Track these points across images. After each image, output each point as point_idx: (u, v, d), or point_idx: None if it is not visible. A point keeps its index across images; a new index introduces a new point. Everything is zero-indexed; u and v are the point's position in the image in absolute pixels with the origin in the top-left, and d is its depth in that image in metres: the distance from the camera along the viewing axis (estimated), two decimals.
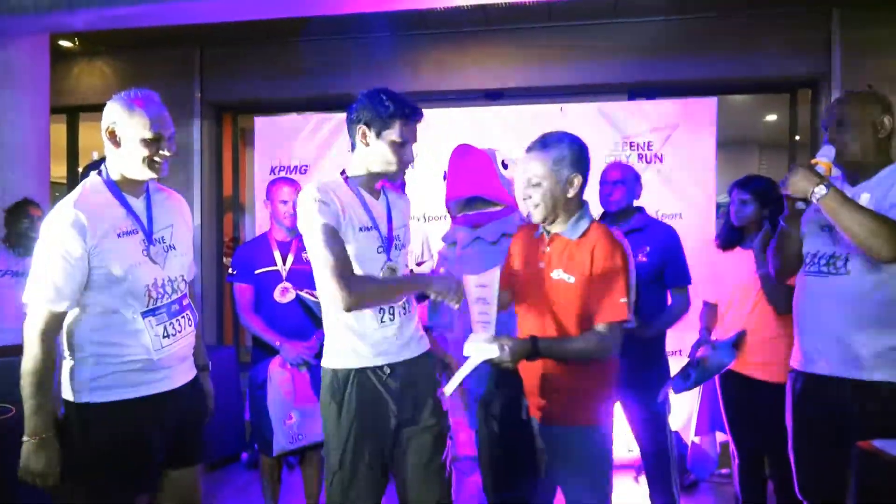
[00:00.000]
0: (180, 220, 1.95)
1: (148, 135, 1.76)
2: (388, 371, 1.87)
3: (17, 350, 2.60)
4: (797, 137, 4.70)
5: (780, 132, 5.24)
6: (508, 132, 4.10)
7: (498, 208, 2.74)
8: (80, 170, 3.05)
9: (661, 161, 3.98)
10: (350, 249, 1.82)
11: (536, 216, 1.87)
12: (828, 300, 1.90)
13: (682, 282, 2.69)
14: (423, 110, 1.93)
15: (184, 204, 2.02)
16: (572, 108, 4.14)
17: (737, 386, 2.58)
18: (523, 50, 4.69)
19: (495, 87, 4.78)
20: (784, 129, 4.84)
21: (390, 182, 2.03)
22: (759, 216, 2.55)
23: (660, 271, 2.65)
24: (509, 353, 1.73)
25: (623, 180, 2.70)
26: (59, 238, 1.68)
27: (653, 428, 2.59)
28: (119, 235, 1.75)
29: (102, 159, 1.88)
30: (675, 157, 3.96)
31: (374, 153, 1.89)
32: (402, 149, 1.89)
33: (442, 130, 4.16)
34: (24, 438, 1.68)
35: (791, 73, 4.44)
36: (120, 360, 1.76)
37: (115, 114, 1.79)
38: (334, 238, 1.78)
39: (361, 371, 1.86)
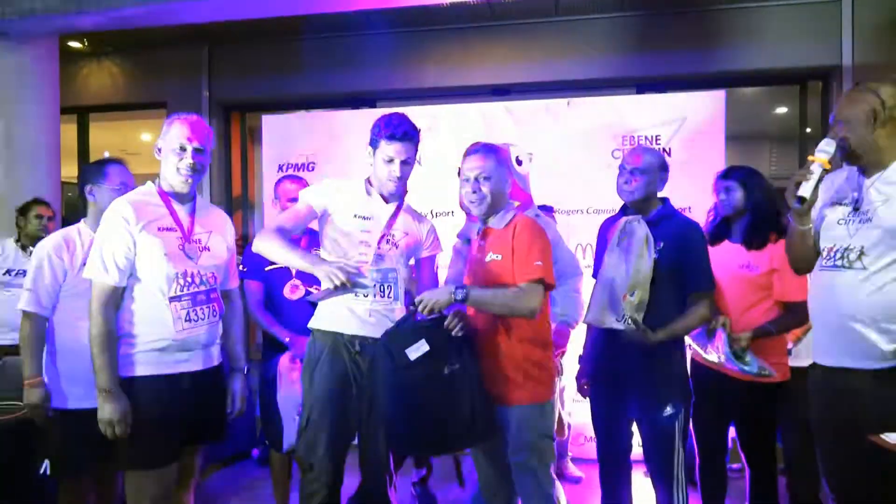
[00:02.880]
0: (219, 230, 2.27)
1: (175, 146, 2.11)
2: (357, 346, 2.18)
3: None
4: (808, 130, 4.66)
5: (790, 125, 5.20)
6: (516, 127, 4.10)
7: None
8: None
9: (669, 155, 3.95)
10: (342, 228, 2.22)
11: (482, 209, 2.18)
12: (842, 293, 1.89)
13: (700, 286, 2.29)
14: (418, 130, 2.25)
15: (226, 220, 2.36)
16: (580, 102, 4.12)
17: (715, 382, 2.49)
18: (530, 45, 4.68)
19: (502, 82, 4.77)
20: (794, 122, 4.81)
21: (391, 194, 2.27)
22: (745, 203, 2.54)
23: (674, 272, 2.28)
24: (433, 298, 2.00)
25: (645, 169, 2.33)
26: (111, 224, 2.05)
27: (660, 439, 2.30)
28: (160, 229, 2.09)
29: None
30: (684, 151, 3.93)
31: (374, 168, 2.26)
32: (390, 165, 2.20)
33: (449, 126, 4.17)
34: (97, 393, 1.99)
35: (801, 64, 4.40)
36: (149, 339, 2.05)
37: (161, 133, 2.16)
38: (298, 208, 2.27)
39: (334, 337, 2.19)
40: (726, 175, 2.62)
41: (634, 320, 2.23)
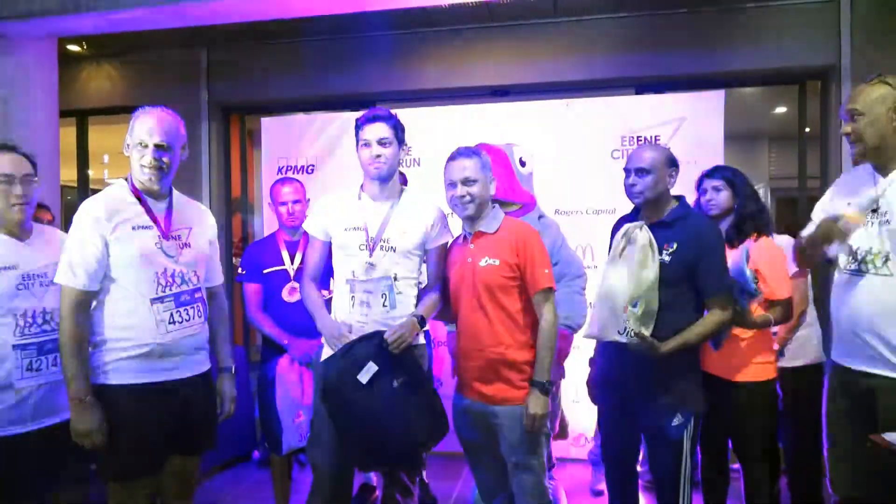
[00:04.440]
0: (200, 226, 2.17)
1: (136, 141, 2.01)
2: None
3: None
4: (807, 129, 4.66)
5: (789, 124, 5.19)
6: (515, 128, 4.09)
7: (515, 208, 2.74)
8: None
9: None
10: (340, 244, 2.24)
11: (470, 210, 2.19)
12: (867, 299, 1.84)
13: (716, 290, 2.17)
14: (393, 115, 2.26)
15: (207, 214, 2.26)
16: (579, 103, 4.12)
17: (711, 382, 2.44)
18: (529, 46, 4.67)
19: (501, 83, 4.76)
20: (793, 122, 4.80)
21: (380, 182, 2.26)
22: (732, 203, 2.56)
23: (689, 275, 2.16)
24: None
25: (650, 168, 2.21)
26: (80, 226, 1.95)
27: (667, 449, 2.23)
28: (134, 228, 1.98)
29: None
30: (684, 151, 3.89)
31: (360, 162, 2.25)
32: (367, 149, 2.20)
33: (448, 128, 4.17)
34: (70, 402, 1.91)
35: (800, 64, 4.39)
36: (130, 344, 1.95)
37: (129, 127, 2.05)
38: (312, 246, 2.32)
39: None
40: (712, 174, 2.62)
41: (638, 333, 2.12)
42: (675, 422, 2.17)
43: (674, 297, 2.15)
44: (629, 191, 2.27)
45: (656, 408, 2.20)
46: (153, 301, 1.97)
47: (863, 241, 1.88)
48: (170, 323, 1.99)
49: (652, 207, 2.25)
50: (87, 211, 1.96)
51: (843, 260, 1.97)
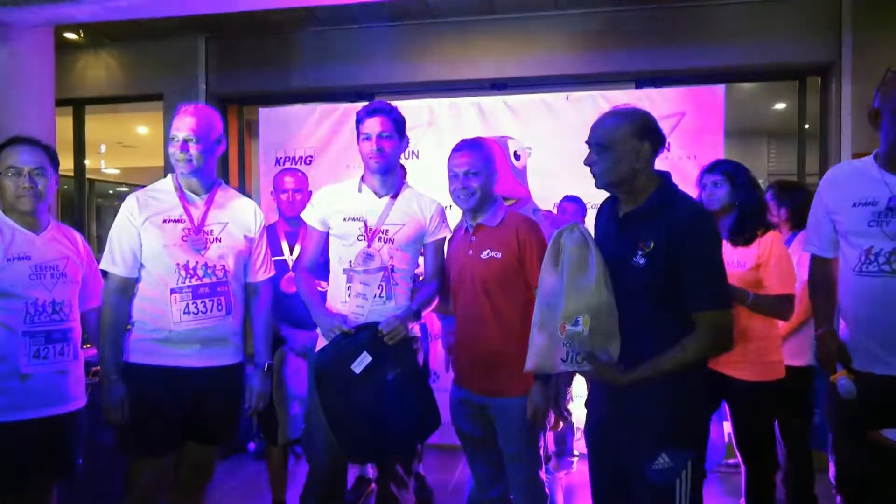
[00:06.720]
0: (239, 222, 2.23)
1: (170, 135, 2.14)
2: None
3: None
4: (807, 126, 4.66)
5: (789, 120, 5.19)
6: (515, 121, 4.08)
7: (510, 202, 2.74)
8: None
9: (668, 150, 3.94)
10: (338, 234, 2.25)
11: (472, 202, 2.18)
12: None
13: (705, 304, 1.62)
14: (393, 108, 2.27)
15: (250, 212, 2.29)
16: (579, 97, 4.11)
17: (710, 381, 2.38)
18: (529, 39, 4.66)
19: (501, 76, 4.75)
20: (793, 118, 4.80)
21: (381, 175, 2.28)
22: (732, 199, 2.50)
23: (671, 281, 1.63)
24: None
25: (606, 144, 1.72)
26: (120, 218, 2.12)
27: (655, 500, 1.67)
28: (165, 221, 2.11)
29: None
30: (683, 146, 3.92)
31: (361, 155, 2.28)
32: (367, 142, 2.23)
33: (448, 120, 4.16)
34: (99, 379, 2.10)
35: (800, 60, 4.38)
36: (150, 328, 2.09)
37: None
38: (310, 235, 2.32)
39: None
40: (712, 169, 2.57)
41: (589, 354, 1.65)
42: (659, 465, 1.64)
43: (654, 308, 1.66)
44: (591, 172, 1.77)
45: (636, 447, 1.69)
46: (172, 291, 2.07)
47: (882, 241, 1.81)
48: (185, 313, 2.08)
49: (625, 192, 1.75)
50: (125, 205, 2.13)
51: (853, 261, 1.90)
